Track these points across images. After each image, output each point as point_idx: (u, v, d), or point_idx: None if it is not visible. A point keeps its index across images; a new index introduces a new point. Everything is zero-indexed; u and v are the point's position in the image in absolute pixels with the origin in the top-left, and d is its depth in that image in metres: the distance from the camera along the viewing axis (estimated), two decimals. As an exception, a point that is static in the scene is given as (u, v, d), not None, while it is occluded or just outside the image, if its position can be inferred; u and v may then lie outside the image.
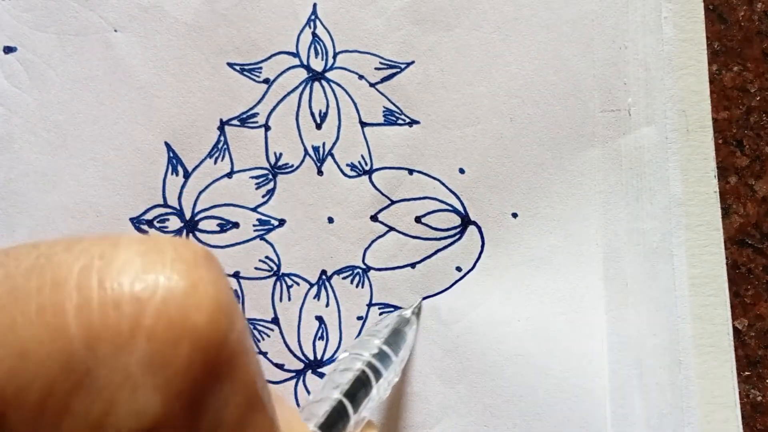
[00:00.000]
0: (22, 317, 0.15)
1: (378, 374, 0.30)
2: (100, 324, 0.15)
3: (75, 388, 0.15)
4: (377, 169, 0.37)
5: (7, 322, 0.15)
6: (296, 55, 0.37)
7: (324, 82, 0.37)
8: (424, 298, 0.37)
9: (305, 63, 0.37)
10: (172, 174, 0.37)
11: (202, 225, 0.37)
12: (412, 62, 0.37)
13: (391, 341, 0.32)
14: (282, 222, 0.37)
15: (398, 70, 0.37)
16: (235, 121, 0.37)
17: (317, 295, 0.37)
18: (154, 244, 0.17)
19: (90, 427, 0.15)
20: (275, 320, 0.37)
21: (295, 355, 0.37)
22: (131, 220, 0.37)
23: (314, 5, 0.37)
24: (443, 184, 0.37)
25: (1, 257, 0.16)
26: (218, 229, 0.37)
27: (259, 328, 0.37)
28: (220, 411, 0.16)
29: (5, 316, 0.15)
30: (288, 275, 0.37)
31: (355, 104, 0.37)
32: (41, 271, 0.15)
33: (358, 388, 0.28)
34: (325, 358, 0.37)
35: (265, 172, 0.37)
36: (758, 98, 0.38)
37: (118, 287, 0.15)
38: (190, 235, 0.37)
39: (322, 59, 0.37)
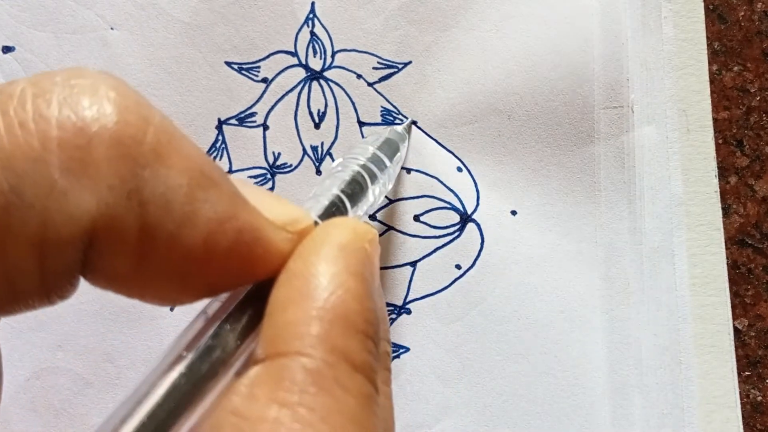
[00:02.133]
0: None
1: (373, 177, 0.30)
2: (10, 145, 0.16)
3: (5, 208, 0.16)
4: (376, 168, 0.37)
5: None
6: (294, 54, 0.37)
7: (322, 82, 0.37)
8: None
9: (304, 62, 0.37)
10: (169, 173, 0.37)
11: (199, 224, 0.37)
12: (410, 62, 0.37)
13: (384, 149, 0.32)
14: (280, 221, 0.37)
15: (396, 69, 0.37)
16: (233, 121, 0.37)
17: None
18: (49, 72, 0.18)
19: (31, 241, 0.16)
20: (273, 320, 0.37)
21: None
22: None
23: (312, 4, 0.37)
24: (441, 182, 0.37)
25: None
26: (216, 228, 0.37)
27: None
28: (164, 195, 0.17)
29: None
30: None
31: (353, 103, 0.37)
32: None
33: (355, 187, 0.28)
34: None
35: (264, 171, 0.37)
36: (758, 98, 0.38)
37: (21, 110, 0.16)
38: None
39: (321, 58, 0.37)
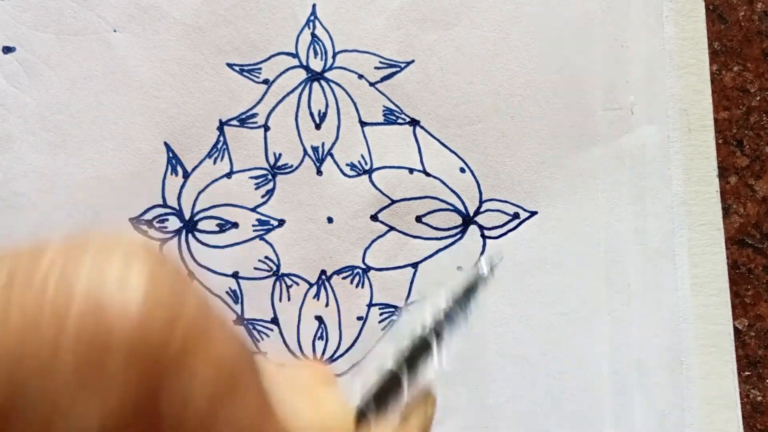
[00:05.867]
0: None
1: (440, 339, 0.26)
2: (21, 340, 0.14)
3: (6, 412, 0.14)
4: (377, 169, 0.37)
5: None
6: (295, 55, 0.37)
7: (323, 82, 0.37)
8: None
9: (304, 63, 0.37)
10: (171, 174, 0.37)
11: (201, 225, 0.37)
12: (412, 61, 0.37)
13: (462, 303, 0.27)
14: (281, 222, 0.37)
15: (398, 69, 0.37)
16: (234, 122, 0.37)
17: (317, 295, 0.37)
18: (82, 239, 0.16)
19: None
20: (275, 320, 0.37)
21: (294, 355, 0.37)
22: (130, 220, 0.36)
23: (313, 6, 0.37)
24: (444, 183, 0.37)
25: None
26: (217, 229, 0.37)
27: (259, 328, 0.37)
28: (186, 398, 0.15)
29: None
30: (287, 275, 0.37)
31: (354, 104, 0.37)
32: None
33: (417, 357, 0.25)
34: (324, 358, 0.37)
35: (265, 172, 0.37)
36: (758, 98, 0.38)
37: (41, 294, 0.14)
38: (190, 235, 0.37)
39: (322, 59, 0.37)
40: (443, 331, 0.26)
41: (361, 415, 0.21)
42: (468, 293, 0.28)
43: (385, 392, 0.23)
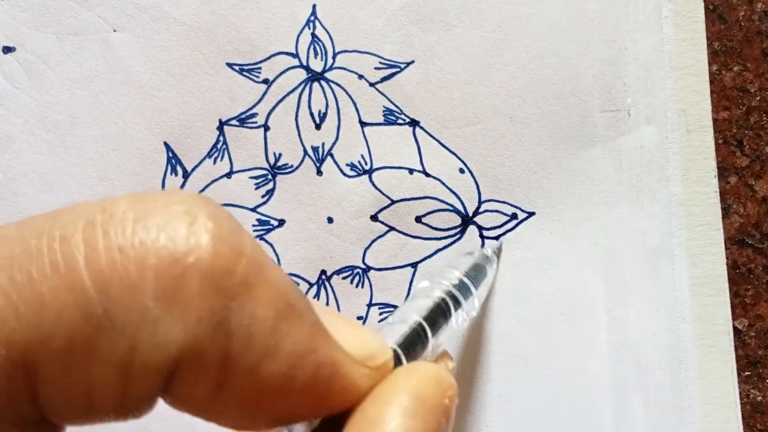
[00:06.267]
0: (38, 273, 0.16)
1: (457, 303, 0.29)
2: (108, 269, 0.16)
3: (96, 331, 0.16)
4: (377, 169, 0.37)
5: (25, 279, 0.16)
6: (295, 55, 0.37)
7: (323, 83, 0.37)
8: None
9: (305, 63, 0.37)
10: (171, 174, 0.37)
11: (201, 225, 0.37)
12: (412, 62, 0.37)
13: (471, 274, 0.32)
14: (281, 222, 0.37)
15: (398, 69, 0.37)
16: (234, 122, 0.37)
17: (317, 295, 0.37)
18: (148, 195, 0.18)
19: (117, 366, 0.16)
20: (275, 320, 0.37)
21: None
22: (130, 220, 0.36)
23: (314, 6, 0.37)
24: (443, 183, 0.37)
25: (15, 225, 0.17)
26: (218, 229, 0.37)
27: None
28: (249, 327, 0.17)
29: (22, 274, 0.16)
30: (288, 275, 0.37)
31: (354, 104, 0.37)
32: (50, 231, 0.17)
33: (438, 314, 0.27)
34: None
35: (265, 172, 0.37)
36: (758, 98, 0.38)
37: (121, 234, 0.16)
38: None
39: (322, 59, 0.37)
40: (459, 298, 0.29)
41: (396, 357, 0.23)
42: (477, 270, 0.32)
43: (413, 342, 0.25)
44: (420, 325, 0.26)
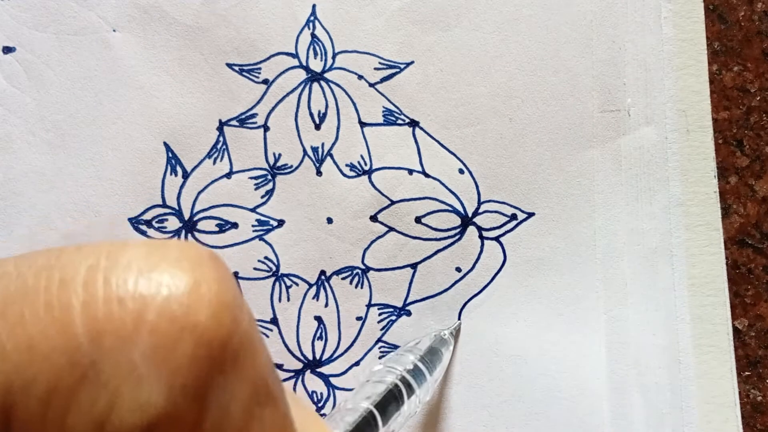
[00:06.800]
0: (31, 313, 0.15)
1: (411, 390, 0.30)
2: (104, 318, 0.15)
3: (80, 381, 0.15)
4: (377, 169, 0.37)
5: (16, 318, 0.15)
6: (295, 56, 0.37)
7: (323, 83, 0.37)
8: (459, 316, 0.37)
9: (304, 64, 0.37)
10: (171, 174, 0.37)
11: (200, 225, 0.37)
12: (412, 62, 0.37)
13: (426, 359, 0.32)
14: (281, 222, 0.37)
15: (397, 70, 0.37)
16: (234, 122, 0.37)
17: (316, 296, 0.37)
18: (159, 245, 0.17)
19: (94, 421, 0.15)
20: (274, 320, 0.37)
21: (293, 355, 0.37)
22: (130, 220, 0.37)
23: (313, 6, 0.37)
24: (443, 184, 0.37)
25: (15, 260, 0.16)
26: (217, 229, 0.37)
27: (258, 328, 0.37)
28: (226, 405, 0.16)
29: (14, 313, 0.15)
30: (287, 275, 0.37)
31: (354, 104, 0.37)
32: (50, 270, 0.16)
33: (390, 402, 0.28)
34: (323, 358, 0.37)
35: (264, 172, 0.37)
36: (758, 98, 0.38)
37: (123, 284, 0.16)
38: (189, 235, 0.37)
39: (321, 60, 0.37)
40: (412, 384, 0.30)
41: None
42: (432, 354, 0.33)
43: (362, 431, 0.25)
44: (371, 413, 0.26)
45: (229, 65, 0.37)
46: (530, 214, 0.37)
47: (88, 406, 0.15)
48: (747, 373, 0.37)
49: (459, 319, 0.37)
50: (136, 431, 0.16)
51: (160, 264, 0.16)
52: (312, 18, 0.37)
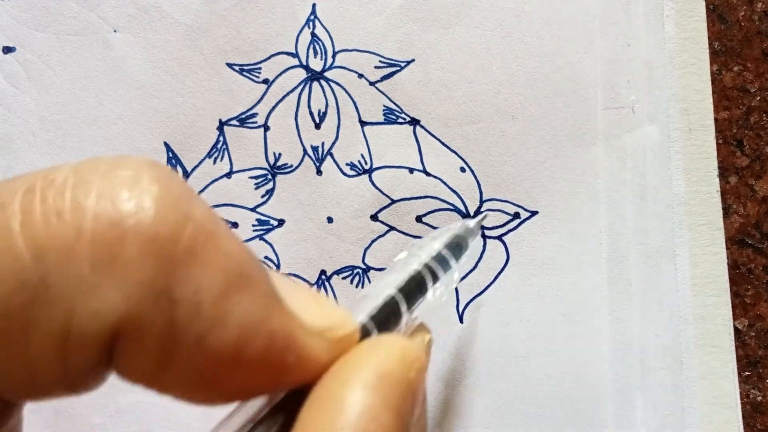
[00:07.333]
0: None
1: (435, 277, 0.28)
2: (44, 234, 0.16)
3: (32, 300, 0.15)
4: (377, 168, 0.37)
5: None
6: (295, 55, 0.37)
7: (323, 82, 0.37)
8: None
9: (304, 63, 0.37)
10: (171, 174, 0.37)
11: (201, 225, 0.37)
12: (412, 60, 0.37)
13: (452, 246, 0.30)
14: (281, 222, 0.37)
15: (398, 68, 0.37)
16: (234, 122, 0.37)
17: (317, 296, 0.37)
18: (93, 159, 0.17)
19: (55, 336, 0.16)
20: (275, 321, 0.37)
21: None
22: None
23: (313, 5, 0.37)
24: (444, 182, 0.37)
25: None
26: (218, 229, 0.37)
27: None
28: (195, 297, 0.16)
29: None
30: (287, 275, 0.37)
31: (354, 103, 0.37)
32: None
33: (413, 288, 0.26)
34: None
35: (264, 172, 0.37)
36: (758, 98, 0.38)
37: (59, 199, 0.16)
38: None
39: (321, 59, 0.37)
40: (437, 271, 0.28)
41: (364, 331, 0.22)
42: (458, 243, 0.31)
43: (385, 316, 0.24)
44: (393, 298, 0.24)
45: (229, 65, 0.37)
46: (533, 213, 0.37)
47: (46, 324, 0.15)
48: (747, 373, 0.37)
49: (461, 321, 0.37)
50: (101, 339, 0.16)
51: (95, 175, 0.16)
52: (312, 17, 0.37)
